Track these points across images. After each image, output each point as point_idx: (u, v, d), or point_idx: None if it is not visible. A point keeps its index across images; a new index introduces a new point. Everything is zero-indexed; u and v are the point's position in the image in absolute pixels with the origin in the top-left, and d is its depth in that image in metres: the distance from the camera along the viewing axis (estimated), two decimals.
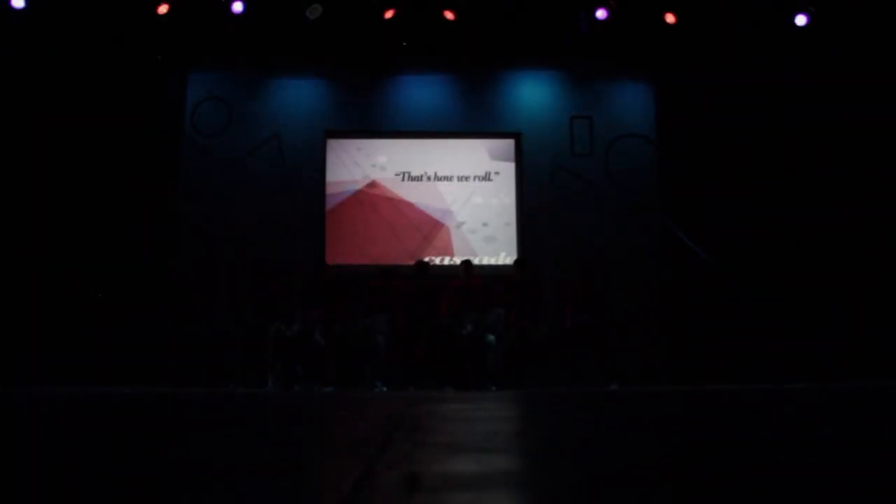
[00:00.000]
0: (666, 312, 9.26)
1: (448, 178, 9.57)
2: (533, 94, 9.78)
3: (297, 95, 9.63)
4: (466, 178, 9.60)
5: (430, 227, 9.33)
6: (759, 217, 9.29)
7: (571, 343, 7.66)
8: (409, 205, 9.44)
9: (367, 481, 1.16)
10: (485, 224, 9.47)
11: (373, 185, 9.45)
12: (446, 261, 8.26)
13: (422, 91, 9.69)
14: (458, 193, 9.52)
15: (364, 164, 9.60)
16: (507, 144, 9.69)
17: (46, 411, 3.40)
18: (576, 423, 2.76)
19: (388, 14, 8.71)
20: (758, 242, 9.44)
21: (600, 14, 8.73)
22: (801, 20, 8.82)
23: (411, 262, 8.06)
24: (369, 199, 9.48)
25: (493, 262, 8.69)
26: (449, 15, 8.74)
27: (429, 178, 9.57)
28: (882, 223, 9.04)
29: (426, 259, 8.14)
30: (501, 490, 1.14)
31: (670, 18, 8.83)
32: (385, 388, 7.27)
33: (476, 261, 8.06)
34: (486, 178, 9.63)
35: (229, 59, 8.76)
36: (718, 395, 4.99)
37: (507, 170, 9.65)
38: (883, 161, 9.00)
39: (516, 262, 8.14)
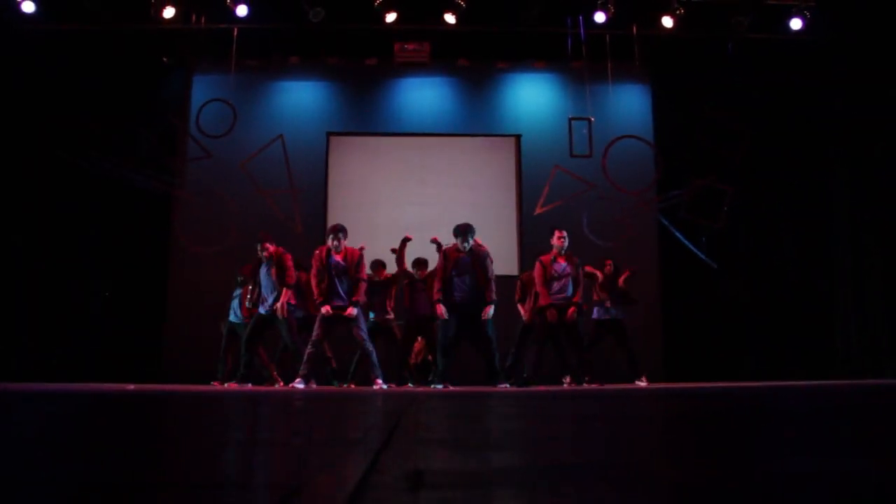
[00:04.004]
0: (664, 312, 9.35)
1: (448, 179, 9.65)
2: (532, 96, 9.86)
3: (300, 97, 9.73)
4: (466, 179, 9.67)
5: (430, 228, 9.40)
6: (756, 217, 9.36)
7: (593, 339, 7.69)
8: (410, 205, 9.53)
9: (369, 478, 1.14)
10: (484, 224, 9.54)
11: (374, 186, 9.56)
12: None
13: (423, 93, 9.78)
14: (459, 194, 9.61)
15: (365, 165, 9.69)
16: (508, 145, 9.78)
17: (40, 409, 3.41)
18: (579, 421, 2.74)
19: (390, 17, 8.79)
20: (755, 242, 9.52)
21: (599, 17, 8.81)
22: (796, 24, 8.89)
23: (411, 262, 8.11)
24: (371, 199, 9.57)
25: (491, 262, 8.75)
26: (450, 18, 8.81)
27: (429, 179, 9.65)
28: (880, 224, 9.11)
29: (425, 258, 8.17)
30: (504, 488, 1.13)
31: (668, 22, 8.91)
32: (385, 386, 7.36)
33: None
34: (486, 178, 9.70)
35: (234, 62, 8.85)
36: (716, 394, 5.02)
37: (507, 171, 9.73)
38: (881, 161, 9.06)
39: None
